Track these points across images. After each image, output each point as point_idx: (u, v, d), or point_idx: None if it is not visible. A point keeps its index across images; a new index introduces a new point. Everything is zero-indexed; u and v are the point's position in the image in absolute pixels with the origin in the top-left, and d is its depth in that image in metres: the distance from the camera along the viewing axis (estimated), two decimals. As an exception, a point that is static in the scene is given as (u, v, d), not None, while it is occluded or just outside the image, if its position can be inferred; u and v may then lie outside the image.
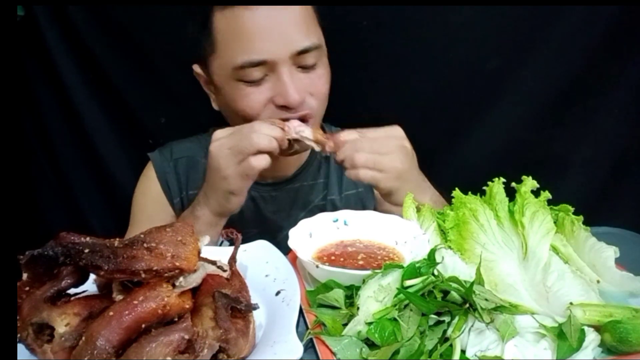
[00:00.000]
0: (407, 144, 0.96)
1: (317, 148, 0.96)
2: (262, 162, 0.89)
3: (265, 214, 1.18)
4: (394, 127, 0.97)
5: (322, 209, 1.18)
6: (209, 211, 0.97)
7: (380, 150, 0.92)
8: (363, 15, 1.28)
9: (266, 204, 1.18)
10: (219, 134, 0.93)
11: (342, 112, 1.29)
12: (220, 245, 0.99)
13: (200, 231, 0.71)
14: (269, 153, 0.90)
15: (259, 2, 0.97)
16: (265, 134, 0.89)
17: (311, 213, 0.92)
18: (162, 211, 1.17)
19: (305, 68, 1.00)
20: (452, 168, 1.40)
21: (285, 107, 0.99)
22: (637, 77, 1.30)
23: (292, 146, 0.96)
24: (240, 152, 0.89)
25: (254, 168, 0.88)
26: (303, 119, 1.00)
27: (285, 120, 0.96)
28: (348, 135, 0.94)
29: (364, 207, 1.22)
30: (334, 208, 1.17)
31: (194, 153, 1.21)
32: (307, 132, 0.95)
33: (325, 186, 1.21)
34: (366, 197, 1.22)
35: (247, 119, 1.01)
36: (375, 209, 1.26)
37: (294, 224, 0.87)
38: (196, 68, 1.10)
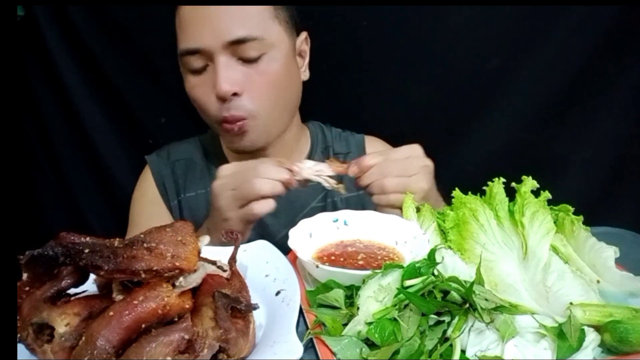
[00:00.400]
0: (429, 162, 0.94)
1: (335, 188, 0.92)
2: (264, 207, 0.86)
3: (264, 215, 1.17)
4: (414, 146, 0.94)
5: (322, 210, 1.18)
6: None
7: (407, 172, 0.90)
8: (363, 15, 1.28)
9: None
10: (224, 171, 0.90)
11: (342, 112, 1.29)
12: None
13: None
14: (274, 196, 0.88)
15: (245, 2, 0.97)
16: (268, 179, 0.86)
17: (311, 214, 0.92)
18: (159, 213, 1.17)
19: (245, 61, 0.98)
20: (452, 168, 1.40)
21: (220, 100, 0.98)
22: (637, 77, 1.30)
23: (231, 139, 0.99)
24: (242, 197, 0.86)
25: (255, 215, 0.86)
26: (240, 128, 0.99)
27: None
28: (372, 160, 0.91)
29: (364, 209, 1.22)
30: (335, 209, 1.17)
31: (191, 155, 1.20)
32: (325, 170, 0.91)
33: (325, 187, 1.21)
34: (367, 200, 1.22)
35: (202, 114, 1.04)
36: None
37: (293, 225, 0.87)
38: None
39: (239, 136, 1.04)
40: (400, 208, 0.90)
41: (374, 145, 1.26)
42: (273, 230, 1.16)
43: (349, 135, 1.27)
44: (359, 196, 1.22)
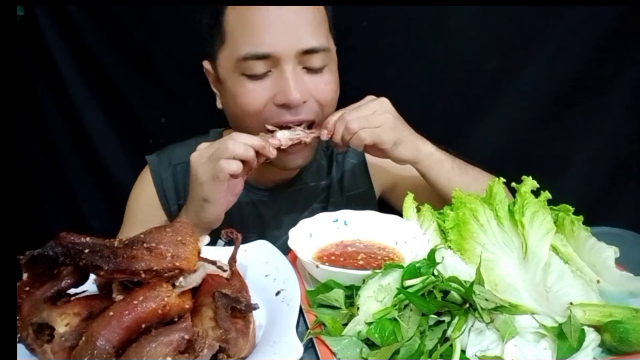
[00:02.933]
0: (383, 99, 0.99)
1: (314, 136, 0.98)
2: (232, 166, 0.88)
3: (266, 218, 1.17)
4: (367, 97, 1.01)
5: (324, 210, 1.17)
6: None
7: (367, 112, 0.96)
8: (363, 15, 1.28)
9: (267, 208, 1.17)
10: (202, 145, 0.94)
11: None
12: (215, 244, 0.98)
13: None
14: (246, 162, 0.89)
15: (268, 2, 0.96)
16: (242, 142, 0.89)
17: (312, 215, 0.92)
18: (154, 215, 1.16)
19: (311, 70, 0.99)
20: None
21: (285, 107, 0.97)
22: (637, 77, 1.30)
23: (281, 159, 0.98)
24: (215, 157, 0.89)
25: (222, 170, 0.87)
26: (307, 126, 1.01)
27: (272, 131, 0.97)
28: (333, 117, 0.98)
29: (365, 209, 1.22)
30: (336, 209, 1.16)
31: None
32: (302, 134, 0.97)
33: (327, 188, 1.21)
34: (368, 197, 1.22)
35: (247, 118, 1.00)
36: (383, 199, 1.27)
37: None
38: (206, 64, 1.10)
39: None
40: (375, 143, 0.95)
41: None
42: (275, 233, 1.15)
43: None
44: (360, 195, 1.22)
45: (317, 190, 1.20)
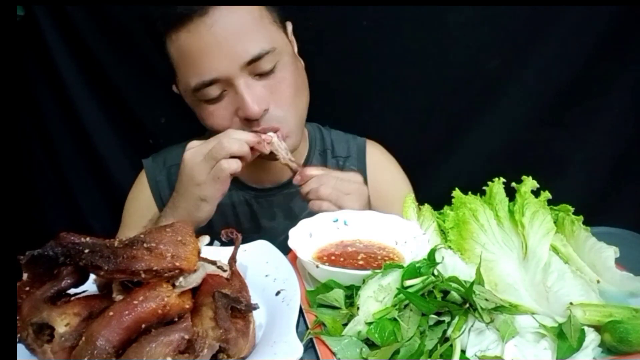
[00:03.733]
0: (365, 189, 0.98)
1: (289, 164, 0.98)
2: (232, 165, 0.89)
3: (264, 219, 1.17)
4: (355, 173, 1.01)
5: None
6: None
7: (343, 189, 0.94)
8: (363, 15, 1.28)
9: (264, 208, 1.17)
10: (194, 143, 0.94)
11: (342, 112, 1.29)
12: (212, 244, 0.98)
13: None
14: (242, 158, 0.90)
15: (243, 2, 0.96)
16: (236, 139, 0.90)
17: (309, 216, 0.92)
18: (151, 217, 1.16)
19: (262, 75, 0.97)
20: (452, 168, 1.40)
21: (248, 120, 0.97)
22: (637, 77, 1.30)
23: (273, 155, 0.97)
24: (212, 157, 0.89)
25: (224, 170, 0.88)
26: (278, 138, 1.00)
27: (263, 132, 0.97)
28: (315, 171, 0.97)
29: None
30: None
31: None
32: (281, 151, 0.98)
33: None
34: None
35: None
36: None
37: (293, 227, 0.87)
38: (174, 88, 1.10)
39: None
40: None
41: (373, 150, 1.26)
42: (272, 232, 1.15)
43: (350, 138, 1.26)
44: None
45: None
